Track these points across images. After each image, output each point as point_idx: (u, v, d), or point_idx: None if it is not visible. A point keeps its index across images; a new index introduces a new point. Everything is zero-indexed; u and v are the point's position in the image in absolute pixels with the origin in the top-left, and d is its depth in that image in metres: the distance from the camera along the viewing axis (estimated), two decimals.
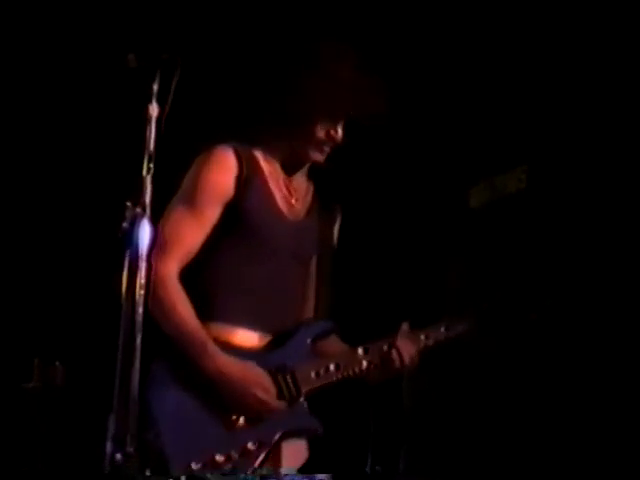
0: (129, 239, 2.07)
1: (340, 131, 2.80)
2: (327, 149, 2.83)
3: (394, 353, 2.83)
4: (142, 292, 2.08)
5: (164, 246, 2.63)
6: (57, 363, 4.08)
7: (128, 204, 2.09)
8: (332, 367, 2.81)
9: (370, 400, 3.86)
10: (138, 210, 2.08)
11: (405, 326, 2.88)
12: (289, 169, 2.88)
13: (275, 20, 4.02)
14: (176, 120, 2.15)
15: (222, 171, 2.75)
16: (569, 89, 3.69)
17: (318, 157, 2.85)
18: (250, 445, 2.69)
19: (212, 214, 2.74)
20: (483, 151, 3.93)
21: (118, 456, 1.99)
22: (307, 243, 2.90)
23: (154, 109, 2.12)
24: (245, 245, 2.77)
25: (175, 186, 2.80)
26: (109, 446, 2.01)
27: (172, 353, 2.70)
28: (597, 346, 3.41)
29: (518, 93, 3.85)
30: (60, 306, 4.39)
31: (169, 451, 2.60)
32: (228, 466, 2.65)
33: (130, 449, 2.00)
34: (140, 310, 2.07)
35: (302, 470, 2.80)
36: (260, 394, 2.70)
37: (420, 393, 3.80)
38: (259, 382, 2.71)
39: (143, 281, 2.08)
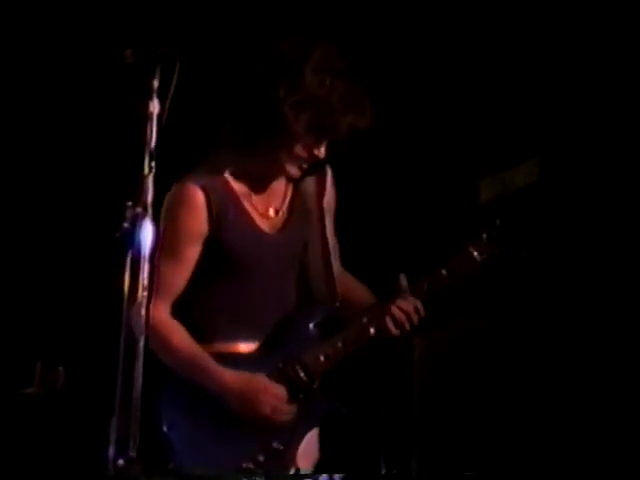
0: (130, 239, 2.04)
1: (323, 150, 2.77)
2: (305, 166, 2.81)
3: (398, 312, 2.79)
4: (144, 293, 2.05)
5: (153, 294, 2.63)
6: (59, 367, 4.06)
7: (129, 204, 2.05)
8: (340, 344, 2.79)
9: (381, 401, 3.83)
10: (139, 210, 2.05)
11: (404, 280, 2.83)
12: (264, 186, 2.86)
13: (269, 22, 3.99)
14: (177, 117, 2.11)
15: (193, 213, 2.75)
16: (581, 80, 3.67)
17: (295, 172, 2.82)
18: (275, 445, 2.69)
19: (192, 253, 2.77)
20: (493, 144, 3.91)
21: (121, 461, 1.96)
22: (293, 248, 2.88)
23: (155, 106, 2.09)
24: (230, 269, 2.79)
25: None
26: (112, 451, 1.98)
27: (178, 380, 2.73)
28: (605, 342, 3.38)
29: (528, 85, 3.83)
30: (61, 309, 4.36)
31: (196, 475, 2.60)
32: (260, 471, 2.64)
33: (132, 454, 1.97)
34: (142, 312, 2.03)
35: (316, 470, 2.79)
36: (270, 401, 2.69)
37: (431, 393, 3.77)
38: (267, 390, 2.70)
39: (145, 282, 2.05)
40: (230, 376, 2.70)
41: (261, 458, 2.67)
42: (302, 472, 2.72)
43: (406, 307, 2.79)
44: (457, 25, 4.03)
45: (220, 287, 2.80)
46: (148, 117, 2.09)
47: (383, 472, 3.73)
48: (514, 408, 3.53)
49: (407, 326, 2.80)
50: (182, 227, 2.75)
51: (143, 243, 2.05)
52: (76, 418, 3.96)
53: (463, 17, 4.01)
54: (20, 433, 3.91)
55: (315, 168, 2.87)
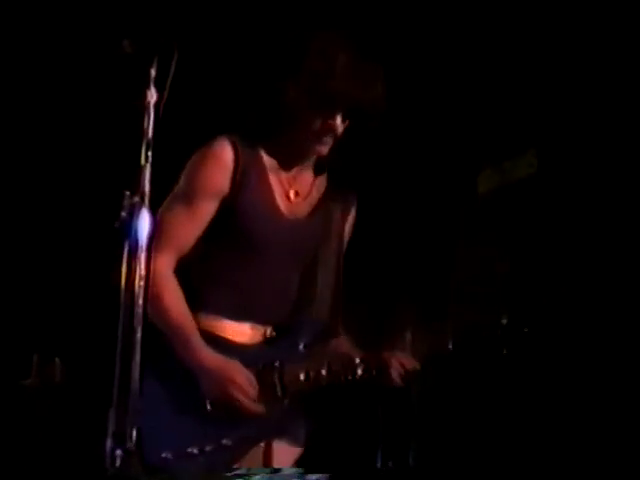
0: (127, 229, 2.03)
1: (339, 120, 2.75)
2: (328, 140, 2.78)
3: (393, 364, 2.76)
4: (142, 284, 2.03)
5: (159, 242, 2.60)
6: (56, 359, 4.06)
7: (126, 193, 2.04)
8: (324, 372, 2.75)
9: (379, 396, 3.82)
10: (136, 199, 2.04)
11: (408, 336, 2.80)
12: (293, 163, 2.84)
13: (272, 7, 3.99)
14: (175, 106, 2.10)
15: (218, 167, 2.73)
16: (579, 71, 3.66)
17: (320, 149, 2.80)
18: (225, 442, 2.65)
19: (207, 210, 2.73)
20: (491, 136, 3.90)
21: (118, 452, 1.95)
22: (307, 240, 2.85)
23: (152, 95, 2.08)
24: (237, 240, 2.76)
25: (175, 175, 2.78)
26: (109, 443, 1.96)
27: (152, 343, 2.66)
28: (606, 343, 3.38)
29: (527, 76, 3.82)
30: (58, 301, 4.36)
31: (144, 436, 2.55)
32: (200, 459, 2.61)
33: (131, 445, 1.96)
34: (140, 302, 2.02)
35: (307, 465, 2.76)
36: (236, 393, 2.65)
37: (429, 388, 3.76)
38: (238, 380, 2.67)
39: (143, 273, 2.03)
40: (208, 354, 2.66)
41: (208, 448, 2.62)
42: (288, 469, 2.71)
43: (404, 362, 2.77)
44: (456, 18, 4.02)
45: (223, 259, 2.76)
46: (146, 107, 2.08)
47: (380, 466, 3.73)
48: (512, 403, 3.53)
49: (398, 381, 2.77)
50: (204, 179, 2.72)
51: (140, 233, 2.04)
52: (74, 410, 3.95)
53: (462, 9, 4.00)
54: (18, 425, 3.91)
55: (343, 188, 2.89)
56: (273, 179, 2.80)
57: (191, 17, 3.88)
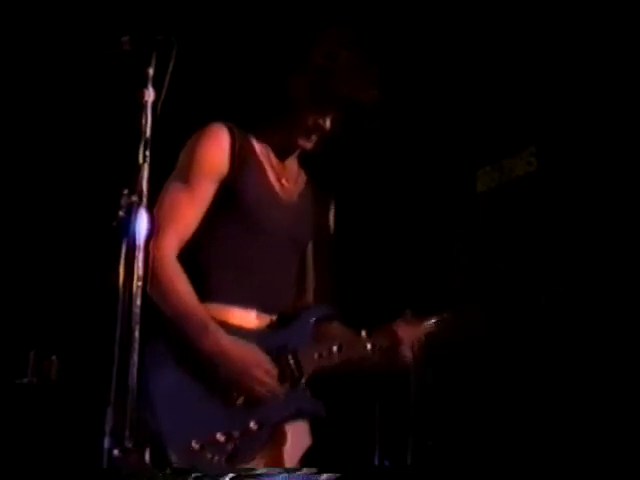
0: (125, 228, 2.03)
1: (328, 122, 2.81)
2: (315, 137, 2.84)
3: (398, 337, 2.81)
4: (139, 283, 2.03)
5: (161, 224, 2.62)
6: (53, 357, 4.05)
7: (124, 192, 2.04)
8: (335, 349, 2.79)
9: (376, 393, 3.83)
10: (134, 198, 2.04)
11: (408, 313, 2.85)
12: (280, 154, 2.90)
13: (269, 8, 3.99)
14: (173, 105, 2.10)
15: (216, 147, 2.75)
16: (578, 69, 3.66)
17: (306, 144, 2.86)
18: (252, 425, 2.67)
19: (207, 190, 2.74)
20: (490, 134, 3.90)
21: (116, 451, 1.95)
22: (302, 226, 2.90)
23: (150, 94, 2.08)
24: (240, 224, 2.77)
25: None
26: (107, 441, 1.96)
27: (168, 333, 2.67)
28: (604, 334, 3.38)
29: (525, 75, 3.83)
30: (55, 298, 4.35)
31: (166, 429, 2.57)
32: (230, 446, 2.62)
33: (128, 444, 1.96)
34: (138, 301, 2.02)
35: (308, 461, 2.77)
36: (261, 375, 2.67)
37: (427, 385, 3.77)
38: (260, 364, 2.68)
39: (140, 272, 2.03)
40: (229, 340, 2.66)
41: (236, 434, 2.64)
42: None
43: (408, 332, 2.82)
44: (454, 16, 4.03)
45: (222, 242, 2.77)
46: (144, 105, 2.07)
47: (377, 463, 3.74)
48: (509, 400, 3.53)
49: (407, 353, 2.81)
50: (202, 160, 2.73)
51: (138, 232, 2.04)
52: (70, 408, 3.95)
53: (460, 7, 4.01)
54: (14, 423, 3.90)
55: (322, 185, 2.96)
56: (266, 164, 2.85)
57: (189, 14, 3.88)
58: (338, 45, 2.78)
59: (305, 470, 2.51)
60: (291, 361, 2.74)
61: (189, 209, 2.72)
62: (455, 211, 3.92)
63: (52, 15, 4.13)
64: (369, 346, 2.82)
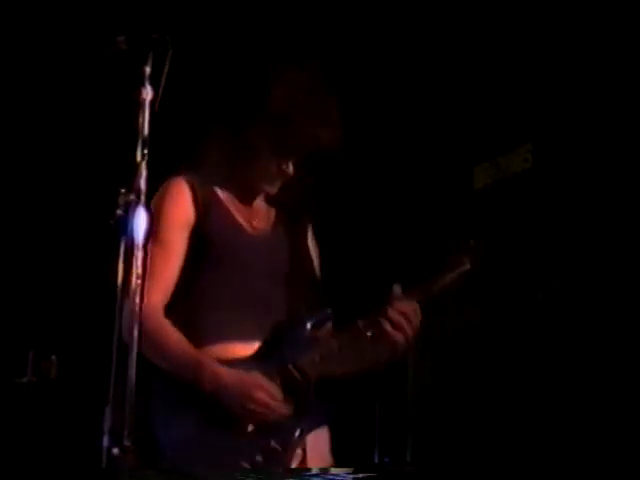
0: (124, 227, 2.03)
1: (291, 167, 2.81)
2: (278, 182, 2.85)
3: (396, 315, 2.73)
4: (138, 281, 2.03)
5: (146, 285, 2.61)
6: (52, 356, 4.06)
7: (122, 191, 2.04)
8: (335, 347, 2.77)
9: (375, 390, 3.83)
10: (132, 197, 2.04)
11: (397, 289, 2.79)
12: (246, 199, 2.90)
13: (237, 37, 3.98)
14: (170, 103, 2.10)
15: (177, 200, 2.78)
16: (574, 66, 3.66)
17: (271, 190, 2.87)
18: (273, 444, 2.66)
19: (178, 241, 2.76)
20: (487, 130, 3.90)
21: (115, 450, 1.95)
22: (277, 257, 2.89)
23: (147, 92, 2.08)
24: (217, 265, 2.78)
25: (171, 172, 2.79)
26: (106, 440, 1.96)
27: (169, 381, 2.69)
28: (601, 330, 3.38)
29: (522, 72, 3.83)
30: (54, 298, 4.36)
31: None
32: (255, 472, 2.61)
33: (127, 443, 1.96)
34: (136, 300, 2.02)
35: None
36: (261, 396, 2.65)
37: (425, 382, 3.77)
38: (258, 385, 2.66)
39: (139, 270, 2.03)
40: (224, 371, 2.66)
41: (259, 458, 2.64)
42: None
43: (402, 308, 2.74)
44: (451, 14, 4.03)
45: (209, 287, 2.77)
46: (141, 104, 2.07)
47: (377, 460, 3.74)
48: (508, 397, 3.54)
49: (406, 328, 2.73)
50: (167, 214, 2.75)
51: (136, 230, 2.04)
52: (69, 407, 3.95)
53: (457, 5, 4.01)
54: (14, 422, 3.90)
55: (295, 218, 2.95)
56: (231, 207, 2.87)
57: (185, 15, 3.88)
58: (295, 88, 2.76)
59: (338, 470, 2.50)
60: (294, 371, 2.72)
61: (166, 263, 2.73)
62: (452, 208, 3.92)
63: (49, 15, 4.13)
64: (369, 334, 2.78)
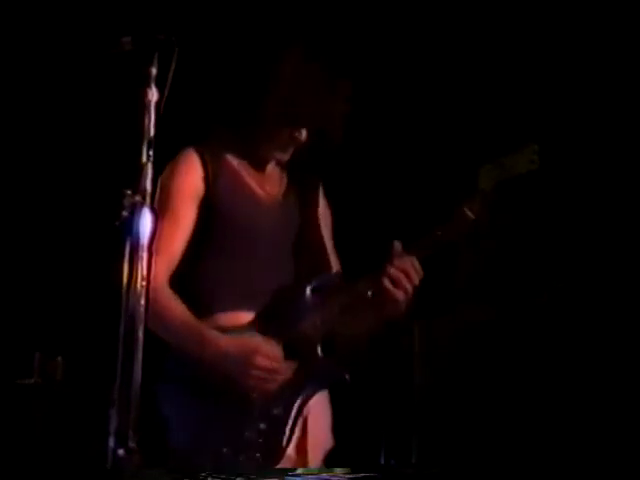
0: (129, 228, 2.03)
1: (304, 133, 2.83)
2: (291, 149, 2.88)
3: (395, 272, 2.71)
4: (143, 283, 2.03)
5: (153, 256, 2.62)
6: (58, 358, 4.06)
7: (127, 192, 2.04)
8: (336, 309, 2.77)
9: (382, 391, 3.83)
10: (138, 198, 2.04)
11: (398, 245, 2.76)
12: (258, 166, 2.92)
13: (249, 23, 3.98)
14: (176, 104, 2.10)
15: (187, 170, 2.80)
16: (580, 67, 3.66)
17: (283, 157, 2.90)
18: (276, 411, 2.67)
19: (187, 214, 2.78)
20: (493, 131, 3.90)
21: (120, 451, 1.95)
22: (288, 222, 2.91)
23: (153, 94, 2.08)
24: (226, 234, 2.79)
25: None
26: (111, 441, 1.96)
27: (173, 361, 2.72)
28: (607, 331, 3.38)
29: (528, 72, 3.82)
30: (60, 299, 4.36)
31: (194, 446, 2.61)
32: (261, 440, 2.63)
33: (132, 444, 1.96)
34: (141, 301, 2.02)
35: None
36: (262, 361, 2.65)
37: (431, 384, 3.76)
38: (259, 350, 2.66)
39: (144, 272, 2.03)
40: (225, 340, 2.67)
41: (262, 426, 2.65)
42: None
43: (402, 265, 2.71)
44: (456, 13, 4.02)
45: (217, 256, 2.79)
46: (146, 105, 2.07)
47: (383, 462, 3.73)
48: (514, 397, 3.53)
49: (407, 285, 2.70)
50: (177, 185, 2.77)
51: (142, 232, 2.04)
52: (75, 409, 3.95)
53: (462, 5, 4.01)
54: (19, 423, 3.91)
55: (306, 181, 2.96)
56: (244, 174, 2.88)
57: (191, 16, 3.88)
58: (307, 60, 2.80)
59: (339, 470, 2.50)
60: (296, 335, 2.72)
61: (174, 237, 2.75)
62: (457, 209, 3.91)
63: (54, 16, 4.13)
64: (369, 294, 2.75)
